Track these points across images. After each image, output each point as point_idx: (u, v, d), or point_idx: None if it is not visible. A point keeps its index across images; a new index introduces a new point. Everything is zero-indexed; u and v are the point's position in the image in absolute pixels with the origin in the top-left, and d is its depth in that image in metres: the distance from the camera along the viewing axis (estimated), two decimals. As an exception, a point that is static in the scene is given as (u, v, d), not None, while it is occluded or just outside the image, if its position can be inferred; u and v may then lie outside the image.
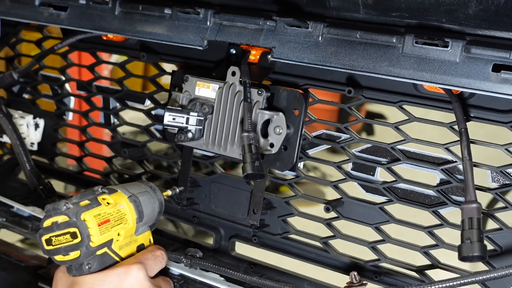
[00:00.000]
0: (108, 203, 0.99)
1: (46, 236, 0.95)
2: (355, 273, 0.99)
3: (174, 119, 1.11)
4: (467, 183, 0.90)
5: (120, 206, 1.00)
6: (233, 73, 1.12)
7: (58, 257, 0.96)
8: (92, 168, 1.50)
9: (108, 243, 0.98)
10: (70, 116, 1.51)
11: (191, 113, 1.12)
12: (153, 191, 1.09)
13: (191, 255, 1.17)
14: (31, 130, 1.52)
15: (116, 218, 0.99)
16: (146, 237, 1.08)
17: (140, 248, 1.07)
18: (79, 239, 0.94)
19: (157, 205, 1.09)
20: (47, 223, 0.96)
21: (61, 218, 0.95)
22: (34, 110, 1.54)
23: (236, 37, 1.13)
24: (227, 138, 1.12)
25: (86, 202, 0.97)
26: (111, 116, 1.43)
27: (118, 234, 1.00)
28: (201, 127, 1.14)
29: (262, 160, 1.13)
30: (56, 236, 0.95)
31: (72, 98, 1.50)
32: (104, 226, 0.97)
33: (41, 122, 1.52)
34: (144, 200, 1.05)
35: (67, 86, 1.50)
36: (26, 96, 1.56)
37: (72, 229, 0.94)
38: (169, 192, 1.18)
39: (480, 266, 1.01)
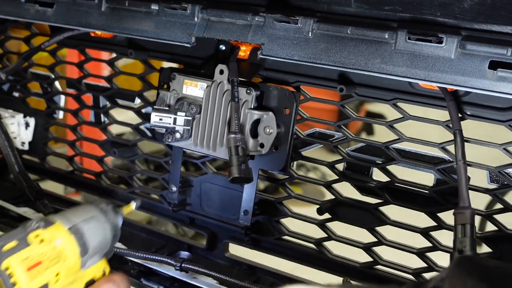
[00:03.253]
0: (41, 240, 0.83)
1: None
2: (348, 279, 0.95)
3: (161, 119, 1.07)
4: (461, 187, 0.86)
5: (55, 242, 0.84)
6: (221, 71, 1.08)
7: None
8: (84, 168, 1.47)
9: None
10: (60, 115, 1.48)
11: (179, 113, 1.08)
12: (103, 214, 0.93)
13: (181, 259, 1.14)
14: (21, 129, 1.49)
15: (51, 258, 0.83)
16: (99, 268, 0.93)
17: (90, 283, 0.91)
18: None
19: (109, 230, 0.93)
20: None
21: None
22: (25, 108, 1.51)
23: (224, 33, 1.09)
24: (216, 139, 1.09)
25: (12, 244, 0.81)
26: (102, 115, 1.40)
27: (57, 275, 0.84)
28: (189, 127, 1.10)
29: (252, 161, 1.10)
30: None
31: (63, 97, 1.47)
32: (36, 269, 0.81)
33: (31, 121, 1.49)
34: (89, 229, 0.89)
35: (56, 84, 1.47)
36: (16, 94, 1.53)
37: None
38: (131, 207, 0.99)
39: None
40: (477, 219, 0.90)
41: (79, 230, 0.87)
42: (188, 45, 1.12)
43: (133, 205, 0.99)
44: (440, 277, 0.64)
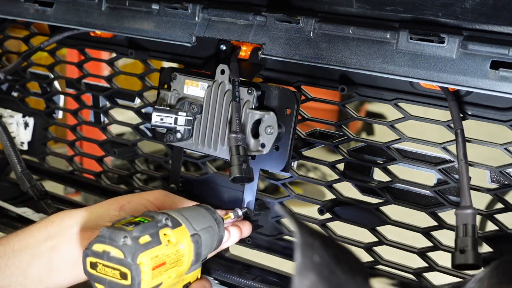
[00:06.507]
0: (168, 241, 0.86)
1: (93, 259, 0.82)
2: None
3: (162, 119, 1.07)
4: (462, 187, 0.86)
5: (180, 246, 0.87)
6: (222, 71, 1.08)
7: (100, 286, 0.84)
8: (84, 168, 1.47)
9: (156, 287, 0.84)
10: (60, 115, 1.48)
11: (180, 113, 1.08)
12: (217, 225, 0.96)
13: (182, 259, 1.14)
14: (20, 129, 1.48)
15: (173, 261, 0.86)
16: (195, 275, 0.95)
17: (186, 286, 0.93)
18: (128, 282, 0.80)
19: (215, 243, 0.96)
20: (98, 247, 0.82)
21: (115, 251, 0.81)
22: (24, 108, 1.50)
23: (225, 33, 1.10)
24: (217, 138, 1.09)
25: (147, 238, 0.83)
26: (101, 115, 1.39)
27: (169, 277, 0.86)
28: (190, 127, 1.10)
29: (253, 161, 1.10)
30: (104, 265, 0.82)
31: (62, 96, 1.46)
32: (158, 270, 0.83)
33: (30, 121, 1.49)
34: (206, 240, 0.91)
35: (56, 83, 1.46)
36: (15, 94, 1.53)
37: (123, 269, 0.80)
38: (231, 216, 1.07)
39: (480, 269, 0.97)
40: (478, 218, 0.90)
41: (198, 240, 0.90)
42: (189, 45, 1.12)
43: (232, 215, 1.07)
44: (478, 278, 0.63)
